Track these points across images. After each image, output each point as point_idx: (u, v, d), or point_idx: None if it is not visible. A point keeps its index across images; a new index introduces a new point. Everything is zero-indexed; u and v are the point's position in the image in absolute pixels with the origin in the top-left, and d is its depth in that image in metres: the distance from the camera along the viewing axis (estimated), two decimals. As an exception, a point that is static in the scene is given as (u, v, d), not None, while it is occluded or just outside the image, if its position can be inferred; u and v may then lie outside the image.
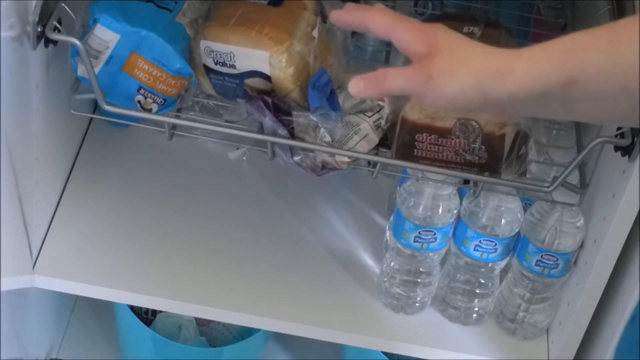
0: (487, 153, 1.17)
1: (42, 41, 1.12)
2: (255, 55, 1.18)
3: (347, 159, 1.20)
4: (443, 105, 0.86)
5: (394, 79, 0.87)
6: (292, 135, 1.18)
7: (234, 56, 1.19)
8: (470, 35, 1.21)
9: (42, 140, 1.24)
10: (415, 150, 1.18)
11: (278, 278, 1.35)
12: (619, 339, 0.93)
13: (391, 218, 1.30)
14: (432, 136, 1.17)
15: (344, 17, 0.93)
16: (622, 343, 0.92)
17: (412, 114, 1.16)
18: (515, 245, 1.28)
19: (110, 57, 1.16)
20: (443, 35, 0.86)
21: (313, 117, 1.17)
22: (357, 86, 0.89)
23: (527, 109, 0.84)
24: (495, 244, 1.26)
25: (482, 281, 1.31)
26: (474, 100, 0.83)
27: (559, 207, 1.23)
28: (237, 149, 1.24)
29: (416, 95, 0.88)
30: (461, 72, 0.84)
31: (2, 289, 1.29)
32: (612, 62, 0.76)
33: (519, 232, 1.27)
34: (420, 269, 1.31)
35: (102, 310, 1.59)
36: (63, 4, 1.13)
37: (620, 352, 0.92)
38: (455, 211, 1.26)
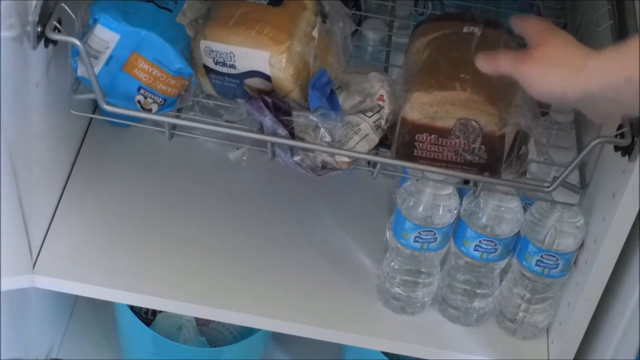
0: (487, 153, 1.17)
1: (42, 41, 1.12)
2: (255, 55, 1.18)
3: (347, 159, 1.20)
4: (532, 91, 1.05)
5: (506, 58, 1.06)
6: (292, 135, 1.18)
7: (234, 56, 1.19)
8: (470, 35, 1.22)
9: (42, 140, 1.24)
10: (415, 150, 1.18)
11: (278, 278, 1.35)
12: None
13: (391, 218, 1.30)
14: (432, 136, 1.17)
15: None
16: None
17: (412, 114, 1.17)
18: (515, 245, 1.28)
19: (110, 57, 1.16)
20: (553, 34, 1.05)
21: (313, 117, 1.17)
22: (481, 60, 1.09)
23: (605, 103, 1.01)
24: (495, 244, 1.26)
25: (482, 281, 1.31)
26: (554, 89, 1.02)
27: (559, 207, 1.23)
28: (237, 149, 1.24)
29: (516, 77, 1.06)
30: (547, 65, 1.02)
31: (2, 289, 1.29)
32: None
33: (519, 232, 1.27)
34: (421, 269, 1.31)
35: (102, 310, 1.59)
36: (63, 4, 1.13)
37: None
38: (455, 211, 1.26)
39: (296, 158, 1.20)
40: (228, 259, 1.37)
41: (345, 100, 1.21)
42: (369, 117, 1.20)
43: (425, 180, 1.23)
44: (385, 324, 1.33)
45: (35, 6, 1.09)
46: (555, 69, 1.02)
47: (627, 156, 1.12)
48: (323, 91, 1.18)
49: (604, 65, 0.99)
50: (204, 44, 1.20)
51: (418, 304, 1.34)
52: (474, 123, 1.15)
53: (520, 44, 1.13)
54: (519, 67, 1.05)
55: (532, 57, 1.04)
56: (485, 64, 1.09)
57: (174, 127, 1.24)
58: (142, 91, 1.18)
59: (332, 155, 1.19)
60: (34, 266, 1.31)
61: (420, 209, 1.25)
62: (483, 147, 1.16)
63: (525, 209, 1.27)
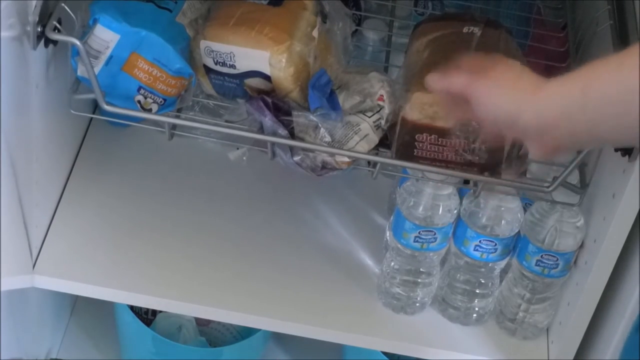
0: (487, 153, 1.17)
1: (42, 41, 1.12)
2: (255, 55, 1.18)
3: (347, 159, 1.20)
4: (482, 109, 0.98)
5: (459, 75, 1.01)
6: (292, 135, 1.18)
7: (234, 56, 1.19)
8: (470, 35, 1.22)
9: (42, 140, 1.24)
10: (415, 150, 1.18)
11: (278, 278, 1.35)
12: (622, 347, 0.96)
13: (391, 218, 1.30)
14: (432, 136, 1.17)
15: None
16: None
17: (412, 114, 1.16)
18: (515, 245, 1.28)
19: (110, 57, 1.16)
20: (506, 60, 1.02)
21: (313, 117, 1.17)
22: (432, 78, 1.04)
23: (557, 128, 0.93)
24: (495, 244, 1.26)
25: (482, 281, 1.31)
26: (506, 108, 0.96)
27: (559, 207, 1.23)
28: (237, 149, 1.24)
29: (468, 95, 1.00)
30: (502, 83, 0.97)
31: (2, 289, 1.29)
32: (619, 78, 0.86)
33: (519, 232, 1.27)
34: (420, 269, 1.31)
35: (102, 310, 1.59)
36: (63, 4, 1.13)
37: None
38: (455, 211, 1.26)
39: (296, 158, 1.20)
40: (228, 258, 1.37)
41: (345, 100, 1.21)
42: (369, 117, 1.20)
43: (425, 180, 1.23)
44: (385, 324, 1.33)
45: (35, 6, 1.09)
46: (510, 88, 0.96)
47: (627, 156, 1.12)
48: (323, 91, 1.18)
49: (562, 83, 0.92)
50: (204, 44, 1.20)
51: (418, 304, 1.34)
52: (474, 123, 1.15)
53: (521, 44, 1.13)
54: (471, 84, 0.99)
55: (487, 75, 0.99)
56: (436, 82, 1.04)
57: (174, 127, 1.24)
58: (142, 91, 1.18)
59: (332, 155, 1.19)
60: (34, 266, 1.31)
61: (420, 209, 1.25)
62: (483, 147, 1.16)
63: (525, 209, 1.27)
